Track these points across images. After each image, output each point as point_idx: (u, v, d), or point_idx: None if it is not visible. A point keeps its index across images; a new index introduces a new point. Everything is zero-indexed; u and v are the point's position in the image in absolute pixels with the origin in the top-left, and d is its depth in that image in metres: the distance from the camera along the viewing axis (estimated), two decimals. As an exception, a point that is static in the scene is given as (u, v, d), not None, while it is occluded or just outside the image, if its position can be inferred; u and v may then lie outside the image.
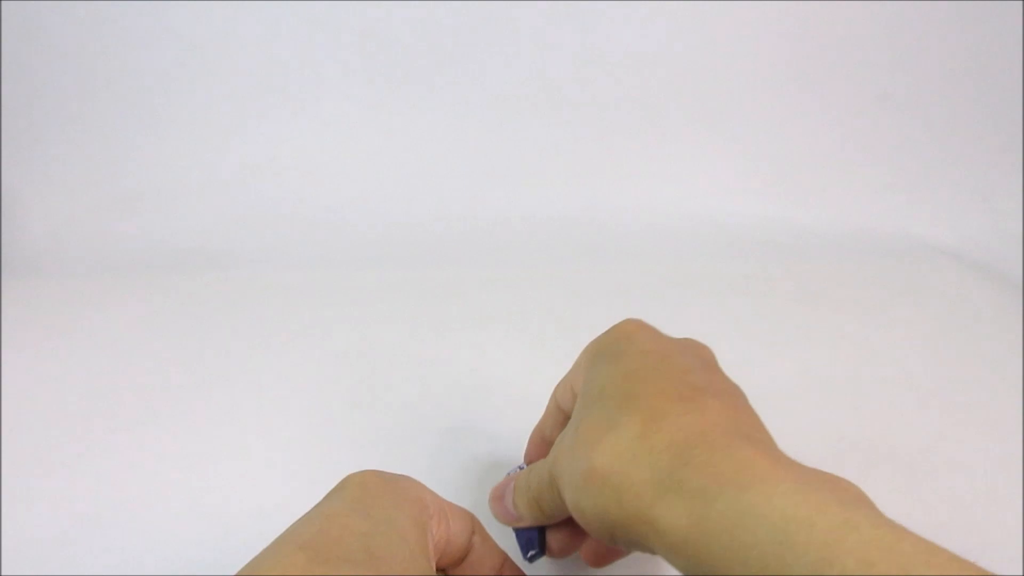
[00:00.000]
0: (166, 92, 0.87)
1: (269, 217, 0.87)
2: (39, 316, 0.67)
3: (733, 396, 0.27)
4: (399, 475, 0.28)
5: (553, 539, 0.33)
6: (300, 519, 0.25)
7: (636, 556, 0.37)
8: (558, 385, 0.34)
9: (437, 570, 0.28)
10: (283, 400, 0.53)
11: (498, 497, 0.34)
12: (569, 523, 0.31)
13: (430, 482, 0.43)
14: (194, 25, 0.85)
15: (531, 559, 0.33)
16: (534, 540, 0.33)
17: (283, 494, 0.31)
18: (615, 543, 0.25)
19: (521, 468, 0.35)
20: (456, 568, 0.30)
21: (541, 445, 0.36)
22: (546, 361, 0.57)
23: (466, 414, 0.51)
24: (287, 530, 0.25)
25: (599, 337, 0.32)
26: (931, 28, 0.87)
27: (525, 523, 0.32)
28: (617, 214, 0.88)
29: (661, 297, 0.71)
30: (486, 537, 0.31)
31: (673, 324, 0.64)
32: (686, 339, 0.31)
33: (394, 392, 0.54)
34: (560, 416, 0.34)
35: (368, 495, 0.25)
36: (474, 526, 0.30)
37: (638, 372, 0.27)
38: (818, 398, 0.55)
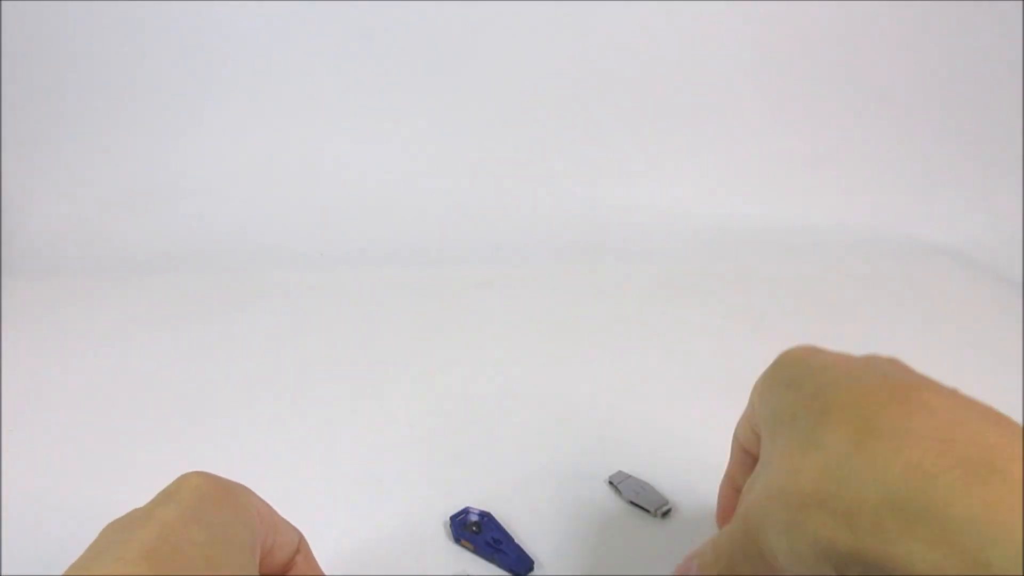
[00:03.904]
0: (166, 92, 0.87)
1: (269, 217, 0.87)
2: (39, 316, 0.67)
3: (952, 392, 0.23)
4: (233, 482, 0.28)
5: None
6: (133, 520, 0.24)
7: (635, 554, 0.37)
8: (737, 427, 0.31)
9: None
10: (283, 399, 0.53)
11: None
12: None
13: (430, 483, 0.43)
14: (194, 26, 0.85)
15: None
16: None
17: (284, 494, 0.31)
18: None
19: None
20: None
21: (732, 495, 0.32)
22: (546, 361, 0.57)
23: (466, 414, 0.51)
24: (119, 529, 0.24)
25: (767, 370, 0.28)
26: (931, 28, 0.87)
27: None
28: (617, 214, 0.88)
29: (660, 297, 0.71)
30: (309, 557, 0.30)
31: (673, 323, 0.65)
32: (868, 354, 0.27)
33: (394, 392, 0.54)
34: (748, 460, 0.30)
35: (205, 502, 0.25)
36: (300, 545, 0.30)
37: (828, 386, 0.24)
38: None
